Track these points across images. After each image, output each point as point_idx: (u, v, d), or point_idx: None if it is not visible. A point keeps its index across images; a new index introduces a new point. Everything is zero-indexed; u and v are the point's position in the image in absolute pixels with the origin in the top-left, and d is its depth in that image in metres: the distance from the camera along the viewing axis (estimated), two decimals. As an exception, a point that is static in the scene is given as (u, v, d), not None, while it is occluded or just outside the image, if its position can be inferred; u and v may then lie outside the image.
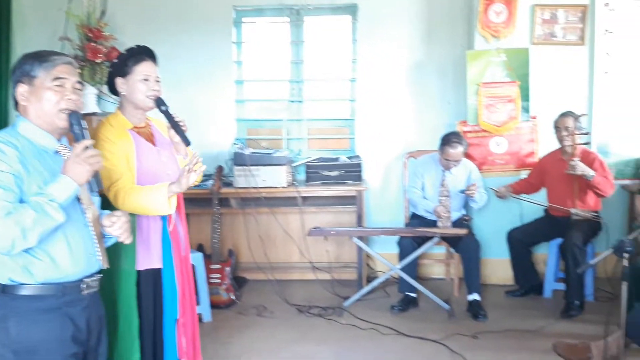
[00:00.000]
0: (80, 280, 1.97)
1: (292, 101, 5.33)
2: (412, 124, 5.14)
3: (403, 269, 4.28)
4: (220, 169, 4.67)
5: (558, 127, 4.36)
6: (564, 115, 4.36)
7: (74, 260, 1.93)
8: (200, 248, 4.48)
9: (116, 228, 2.00)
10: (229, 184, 4.77)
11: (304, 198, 4.91)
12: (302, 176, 5.05)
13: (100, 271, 2.07)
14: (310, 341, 3.81)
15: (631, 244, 2.52)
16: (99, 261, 2.03)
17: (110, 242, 2.11)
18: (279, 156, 4.79)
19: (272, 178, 4.70)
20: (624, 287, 2.56)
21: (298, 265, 5.08)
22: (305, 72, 5.29)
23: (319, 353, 3.63)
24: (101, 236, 2.04)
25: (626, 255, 2.52)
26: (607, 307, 3.96)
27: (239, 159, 4.70)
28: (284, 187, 4.73)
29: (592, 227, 4.29)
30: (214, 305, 4.27)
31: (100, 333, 2.09)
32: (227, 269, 4.43)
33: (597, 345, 2.96)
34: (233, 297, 4.42)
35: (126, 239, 2.03)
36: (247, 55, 5.34)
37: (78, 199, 1.96)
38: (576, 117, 4.30)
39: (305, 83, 5.30)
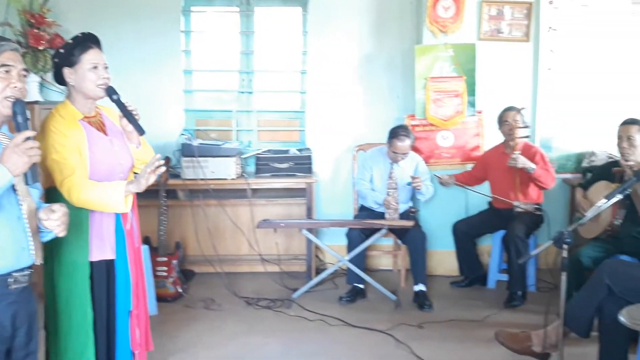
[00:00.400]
0: (8, 275, 1.90)
1: (242, 92, 5.28)
2: (361, 117, 5.17)
3: (351, 261, 4.31)
4: (167, 160, 4.60)
5: (506, 121, 4.45)
6: (509, 109, 4.46)
7: (0, 253, 1.86)
8: (146, 241, 4.40)
9: (52, 222, 1.94)
10: (176, 176, 4.71)
11: (254, 190, 4.88)
12: (251, 168, 5.01)
13: (53, 264, 2.00)
14: (258, 333, 3.80)
15: (570, 235, 2.59)
16: (32, 256, 1.96)
17: (47, 237, 2.04)
18: (228, 147, 4.75)
19: (220, 170, 4.66)
20: (563, 277, 2.63)
21: (247, 258, 5.05)
22: (256, 63, 5.25)
23: (266, 345, 3.63)
24: (37, 230, 1.97)
25: (565, 246, 2.59)
26: (548, 297, 4.10)
27: (186, 150, 4.63)
28: (233, 179, 4.69)
29: (534, 219, 4.41)
30: (161, 299, 4.21)
31: (30, 330, 2.02)
32: (174, 261, 4.37)
33: (538, 334, 3.04)
34: (180, 290, 4.37)
35: (60, 232, 1.97)
36: (196, 45, 5.26)
37: (14, 190, 1.89)
38: (518, 111, 4.40)
39: (256, 74, 5.26)
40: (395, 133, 4.40)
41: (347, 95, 5.15)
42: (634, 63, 4.97)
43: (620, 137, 3.78)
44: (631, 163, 3.64)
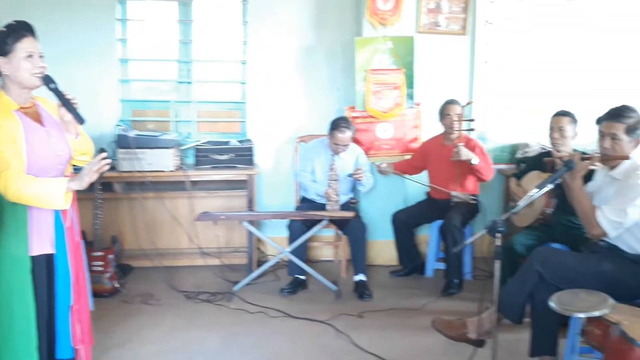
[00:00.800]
0: None
1: (181, 82, 5.18)
2: (303, 109, 5.16)
3: (293, 252, 4.31)
4: (102, 152, 4.46)
5: (448, 114, 4.52)
6: (451, 102, 4.52)
7: None
8: (81, 235, 4.27)
9: None
10: (112, 168, 4.56)
11: (193, 182, 4.80)
12: (191, 160, 4.93)
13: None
14: (198, 327, 3.75)
15: (503, 224, 2.65)
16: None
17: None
18: (166, 139, 4.65)
19: (158, 161, 4.56)
20: (497, 265, 2.70)
21: (187, 251, 4.97)
22: (194, 53, 5.15)
23: (206, 339, 3.59)
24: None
25: (498, 235, 2.65)
26: (483, 285, 4.21)
27: (123, 142, 4.52)
28: (171, 170, 4.60)
29: (471, 209, 4.51)
30: (97, 294, 4.08)
31: None
32: (110, 256, 4.26)
33: (473, 321, 3.12)
34: (117, 285, 4.27)
35: None
36: (133, 34, 5.11)
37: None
38: (462, 106, 4.46)
39: (194, 64, 5.16)
40: (336, 125, 4.42)
41: (288, 86, 5.12)
42: (568, 57, 5.14)
43: (552, 128, 3.91)
44: (562, 154, 3.77)
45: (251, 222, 4.38)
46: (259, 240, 4.87)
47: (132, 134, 4.58)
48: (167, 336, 3.61)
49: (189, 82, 5.16)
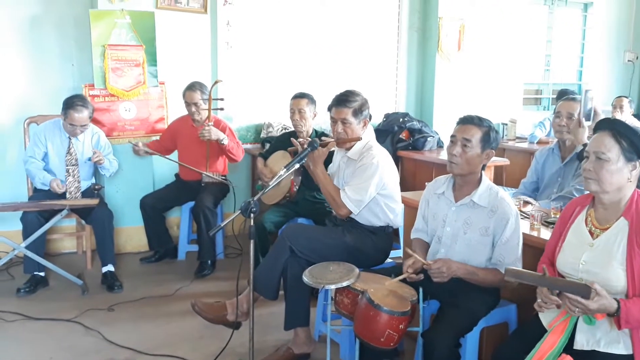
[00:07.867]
0: None
1: None
2: (32, 86, 4.63)
3: (28, 247, 3.87)
4: None
5: (187, 101, 4.42)
6: (191, 89, 4.40)
7: None
8: None
9: None
10: None
11: None
12: None
13: None
14: None
15: (256, 204, 2.69)
16: None
17: None
18: None
19: None
20: (252, 245, 2.72)
21: None
22: None
23: None
24: None
25: (252, 215, 2.69)
26: (236, 262, 4.26)
27: None
28: None
29: (221, 189, 4.53)
30: None
31: None
32: None
33: (231, 303, 3.13)
34: None
35: None
36: None
37: None
38: (204, 89, 4.38)
39: None
40: (71, 103, 4.04)
41: (11, 60, 4.55)
42: (309, 40, 5.42)
43: (292, 111, 4.09)
44: (302, 137, 3.96)
45: (-26, 217, 3.83)
46: (-15, 236, 4.28)
47: None
48: None
49: None
